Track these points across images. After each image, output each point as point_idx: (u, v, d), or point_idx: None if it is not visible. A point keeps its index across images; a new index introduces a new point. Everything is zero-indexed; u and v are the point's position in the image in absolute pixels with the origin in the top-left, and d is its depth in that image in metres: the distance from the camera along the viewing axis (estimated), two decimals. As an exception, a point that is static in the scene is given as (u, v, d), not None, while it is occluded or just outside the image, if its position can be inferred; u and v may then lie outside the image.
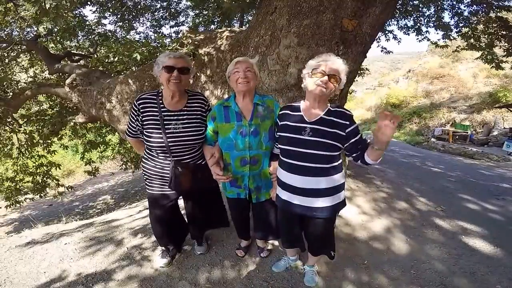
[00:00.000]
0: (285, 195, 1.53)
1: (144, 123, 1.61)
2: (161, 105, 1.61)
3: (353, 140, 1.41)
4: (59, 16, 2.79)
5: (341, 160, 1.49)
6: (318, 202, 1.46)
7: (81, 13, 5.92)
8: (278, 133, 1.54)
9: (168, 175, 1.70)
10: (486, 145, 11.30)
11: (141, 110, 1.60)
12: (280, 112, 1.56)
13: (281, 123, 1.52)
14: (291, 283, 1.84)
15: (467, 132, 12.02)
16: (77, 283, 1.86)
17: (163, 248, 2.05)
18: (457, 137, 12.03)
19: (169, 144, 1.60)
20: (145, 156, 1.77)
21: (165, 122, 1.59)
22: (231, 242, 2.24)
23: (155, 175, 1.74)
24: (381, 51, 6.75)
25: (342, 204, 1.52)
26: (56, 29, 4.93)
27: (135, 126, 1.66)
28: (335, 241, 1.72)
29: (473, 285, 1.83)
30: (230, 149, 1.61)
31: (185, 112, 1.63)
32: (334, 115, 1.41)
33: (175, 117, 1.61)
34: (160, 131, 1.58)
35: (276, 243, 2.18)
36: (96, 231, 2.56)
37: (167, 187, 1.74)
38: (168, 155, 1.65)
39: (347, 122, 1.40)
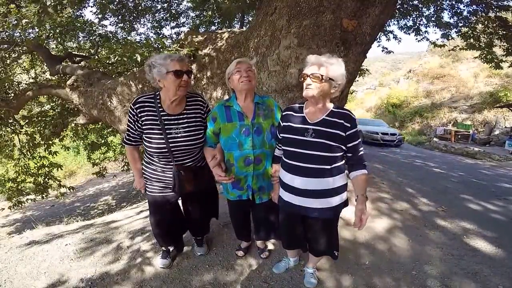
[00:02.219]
0: (287, 196, 1.52)
1: (144, 127, 1.57)
2: (160, 109, 1.56)
3: (348, 145, 1.41)
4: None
5: (343, 161, 1.48)
6: (320, 203, 1.45)
7: (82, 14, 5.95)
8: (281, 135, 1.53)
9: (169, 179, 1.69)
10: (488, 144, 11.28)
11: (139, 115, 1.55)
12: (282, 114, 1.57)
13: (284, 124, 1.51)
14: (292, 284, 1.83)
15: (469, 132, 12.01)
16: (77, 283, 1.86)
17: (163, 249, 2.04)
18: (459, 136, 12.02)
19: (172, 149, 1.58)
20: (145, 160, 1.75)
21: (166, 127, 1.55)
22: (231, 243, 2.23)
23: (156, 179, 1.73)
24: (382, 51, 6.75)
25: (343, 204, 1.52)
26: (57, 30, 4.95)
27: (134, 131, 1.60)
28: (336, 242, 1.71)
29: (475, 286, 1.82)
30: (234, 149, 1.60)
31: (185, 116, 1.61)
32: (337, 116, 1.41)
33: (175, 122, 1.58)
34: (162, 136, 1.55)
35: (277, 244, 2.18)
36: (96, 232, 2.56)
37: (167, 189, 1.73)
38: (170, 160, 1.63)
39: (349, 125, 1.39)
